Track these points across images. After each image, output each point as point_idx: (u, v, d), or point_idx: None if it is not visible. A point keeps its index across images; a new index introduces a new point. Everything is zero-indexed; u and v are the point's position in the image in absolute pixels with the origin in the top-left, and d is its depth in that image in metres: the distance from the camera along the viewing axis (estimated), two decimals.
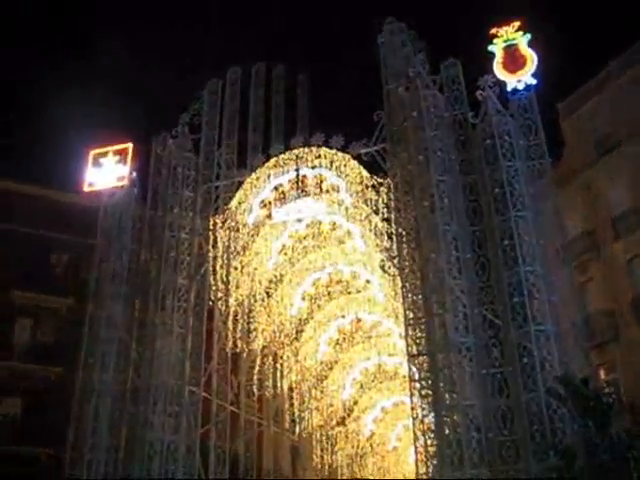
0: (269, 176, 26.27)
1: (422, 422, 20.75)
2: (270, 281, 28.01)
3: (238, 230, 26.40)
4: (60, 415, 26.15)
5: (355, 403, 35.09)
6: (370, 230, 24.44)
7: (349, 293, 30.29)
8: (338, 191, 25.13)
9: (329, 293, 30.56)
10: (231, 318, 26.74)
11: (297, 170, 26.01)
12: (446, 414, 19.79)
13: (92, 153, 28.43)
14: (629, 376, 28.23)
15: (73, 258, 35.93)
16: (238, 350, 27.46)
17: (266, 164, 26.30)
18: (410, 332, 22.10)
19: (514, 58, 23.59)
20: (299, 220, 26.34)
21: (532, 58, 23.54)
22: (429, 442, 20.45)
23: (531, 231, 21.22)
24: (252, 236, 26.77)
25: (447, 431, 19.64)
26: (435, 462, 20.14)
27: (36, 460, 30.42)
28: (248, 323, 28.21)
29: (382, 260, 25.30)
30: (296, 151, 25.87)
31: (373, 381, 34.87)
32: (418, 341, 21.79)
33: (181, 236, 25.71)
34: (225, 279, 26.68)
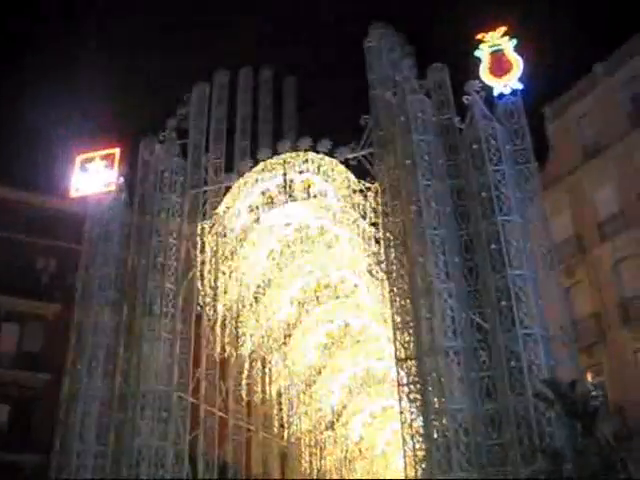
0: (257, 181, 26.27)
1: (411, 426, 20.79)
2: (258, 286, 27.96)
3: (226, 235, 26.35)
4: (47, 422, 25.97)
5: (344, 407, 35.04)
6: (358, 235, 24.46)
7: (337, 298, 30.26)
8: (326, 196, 25.15)
9: (317, 298, 30.54)
10: (219, 323, 26.66)
11: (285, 175, 26.01)
12: (434, 418, 19.82)
13: (79, 158, 28.29)
14: (616, 379, 28.37)
15: (60, 264, 35.74)
16: (226, 355, 27.37)
17: (254, 169, 26.30)
18: (398, 336, 22.15)
19: (500, 63, 23.68)
20: (287, 225, 26.33)
21: (518, 63, 23.63)
22: (418, 446, 20.51)
23: (518, 235, 21.30)
24: (240, 241, 26.73)
25: (435, 435, 19.67)
26: (424, 466, 20.18)
27: (23, 467, 30.19)
28: (236, 328, 28.12)
29: (370, 264, 25.33)
30: (284, 156, 25.89)
31: (362, 385, 34.83)
32: (406, 345, 21.85)
33: (169, 241, 25.63)
34: (213, 284, 26.61)
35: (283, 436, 31.15)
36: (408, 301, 22.04)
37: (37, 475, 28.62)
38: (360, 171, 24.50)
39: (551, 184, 31.20)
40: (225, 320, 26.94)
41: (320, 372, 33.49)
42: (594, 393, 21.10)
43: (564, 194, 32.07)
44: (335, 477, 34.76)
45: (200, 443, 25.11)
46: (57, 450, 24.28)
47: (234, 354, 28.05)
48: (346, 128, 26.41)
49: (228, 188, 26.69)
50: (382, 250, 23.46)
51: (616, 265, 29.94)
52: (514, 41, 23.94)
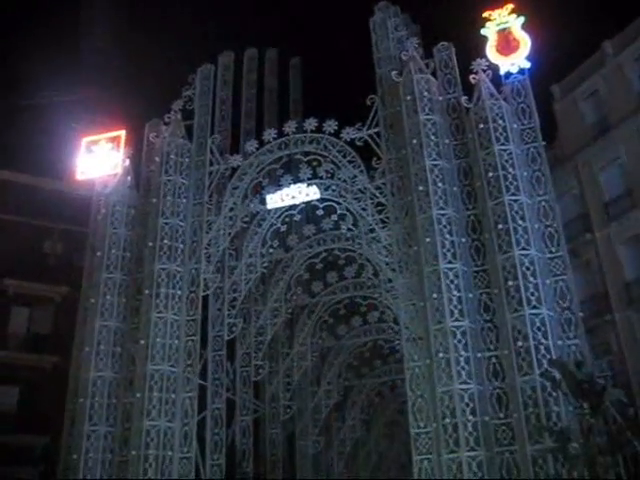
0: (262, 162, 26.21)
1: (418, 406, 20.87)
2: (265, 267, 27.93)
3: (232, 217, 26.31)
4: (56, 403, 26.17)
5: (351, 388, 35.11)
6: (364, 215, 24.38)
7: (345, 278, 30.21)
8: (332, 176, 25.06)
9: (324, 278, 30.50)
10: (226, 304, 26.70)
11: (290, 155, 25.95)
12: (442, 397, 19.88)
13: (85, 141, 28.31)
14: (623, 358, 28.38)
15: (67, 246, 35.86)
16: (234, 336, 27.42)
17: (259, 150, 26.24)
18: (405, 316, 22.20)
19: (507, 41, 23.47)
20: (293, 205, 26.26)
21: (525, 41, 23.42)
22: (425, 425, 20.60)
23: (525, 215, 21.22)
24: (246, 222, 26.70)
25: (443, 415, 19.75)
26: (431, 445, 20.28)
27: (32, 449, 30.45)
28: (243, 309, 28.17)
29: (376, 244, 25.24)
30: (289, 136, 25.81)
31: (369, 366, 34.87)
32: (413, 325, 21.89)
33: (175, 223, 25.63)
34: (220, 265, 26.64)
35: (290, 416, 31.25)
36: (415, 281, 22.07)
37: (46, 456, 28.90)
38: (366, 151, 24.42)
39: (558, 164, 31.05)
40: (232, 301, 26.93)
41: (326, 354, 33.50)
42: (601, 373, 21.09)
43: (571, 174, 31.93)
44: (342, 457, 34.92)
45: (208, 424, 25.26)
46: (66, 431, 24.54)
47: (241, 335, 28.11)
48: (353, 108, 26.26)
49: (234, 169, 26.66)
50: (389, 231, 23.44)
51: (623, 245, 29.85)
52: (521, 19, 23.70)
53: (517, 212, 21.21)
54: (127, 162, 27.50)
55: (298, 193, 25.64)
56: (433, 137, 22.66)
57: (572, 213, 30.99)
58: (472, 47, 24.13)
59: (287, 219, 26.56)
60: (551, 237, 21.59)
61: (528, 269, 20.49)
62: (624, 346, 28.53)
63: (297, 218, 26.62)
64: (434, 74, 24.00)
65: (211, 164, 27.07)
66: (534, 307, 20.01)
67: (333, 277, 30.32)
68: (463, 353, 20.07)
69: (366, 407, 36.72)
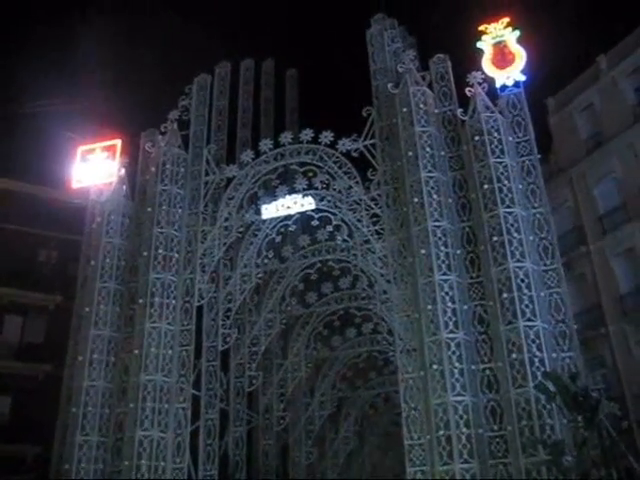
0: (258, 172, 26.24)
1: (412, 417, 20.83)
2: (260, 277, 27.92)
3: (227, 227, 26.31)
4: (49, 413, 26.04)
5: (345, 399, 35.03)
6: (359, 226, 24.41)
7: (340, 290, 30.21)
8: (327, 187, 25.09)
9: (319, 289, 30.47)
10: (220, 315, 26.65)
11: (286, 166, 25.99)
12: (436, 409, 19.84)
13: (80, 149, 28.29)
14: (617, 371, 28.40)
15: (62, 255, 35.80)
16: (228, 346, 27.35)
17: (255, 160, 26.28)
18: (400, 328, 22.18)
19: (503, 55, 23.61)
20: (288, 216, 26.28)
21: (521, 55, 23.57)
22: (419, 437, 20.55)
23: (520, 227, 21.27)
24: (241, 232, 26.69)
25: (437, 427, 19.70)
26: (425, 457, 20.23)
27: (24, 458, 30.29)
28: (237, 320, 28.11)
29: (371, 255, 25.25)
30: (285, 147, 25.86)
31: (363, 377, 34.81)
32: (408, 337, 21.87)
33: (170, 232, 25.60)
34: (214, 276, 26.60)
35: (284, 427, 31.15)
36: (410, 292, 22.07)
37: (38, 466, 28.73)
38: (362, 162, 24.48)
39: (553, 176, 31.21)
40: (226, 311, 26.89)
41: (321, 365, 33.42)
42: (595, 386, 21.08)
43: (566, 186, 32.06)
44: (336, 469, 34.78)
45: (201, 434, 25.15)
46: (58, 441, 24.39)
47: (235, 345, 28.04)
48: (349, 119, 26.34)
49: (229, 179, 26.68)
50: (384, 242, 23.46)
51: (617, 258, 29.94)
52: (517, 32, 23.85)
53: (512, 224, 21.25)
54: (123, 171, 27.49)
55: (293, 204, 25.64)
56: (428, 149, 22.72)
57: (567, 226, 31.10)
58: (468, 60, 24.29)
59: (282, 230, 26.56)
60: (546, 250, 21.64)
61: (523, 281, 20.51)
62: (618, 359, 28.57)
63: (292, 229, 26.63)
64: (430, 86, 24.10)
65: (207, 174, 27.09)
66: (528, 319, 20.02)
67: (328, 288, 30.28)
68: (457, 365, 20.04)
69: (360, 419, 36.62)
